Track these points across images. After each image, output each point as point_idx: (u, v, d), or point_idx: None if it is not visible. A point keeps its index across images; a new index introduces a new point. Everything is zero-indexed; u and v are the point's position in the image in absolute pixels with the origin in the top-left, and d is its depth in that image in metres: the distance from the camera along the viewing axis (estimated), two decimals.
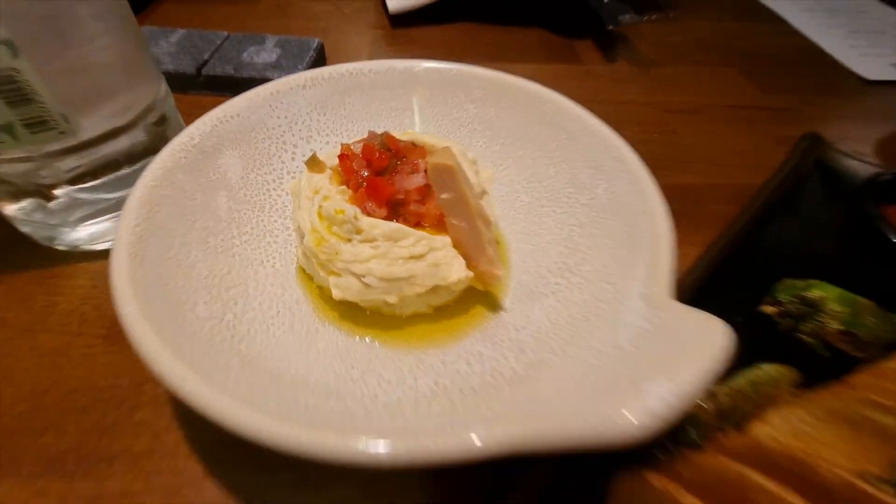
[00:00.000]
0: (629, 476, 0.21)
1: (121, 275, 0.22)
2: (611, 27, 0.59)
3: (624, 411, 0.17)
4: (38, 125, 0.27)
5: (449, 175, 0.26)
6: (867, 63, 0.65)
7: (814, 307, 0.29)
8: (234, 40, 0.55)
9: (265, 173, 0.34)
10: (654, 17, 0.59)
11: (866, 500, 0.16)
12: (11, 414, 0.27)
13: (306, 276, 0.31)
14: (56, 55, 0.26)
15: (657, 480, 0.20)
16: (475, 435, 0.17)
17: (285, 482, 0.25)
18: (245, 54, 0.52)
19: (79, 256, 0.34)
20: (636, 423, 0.17)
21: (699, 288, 0.30)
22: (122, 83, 0.30)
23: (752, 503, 0.18)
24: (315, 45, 0.55)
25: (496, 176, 0.36)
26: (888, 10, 0.83)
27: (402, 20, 0.67)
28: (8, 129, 0.26)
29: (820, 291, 0.29)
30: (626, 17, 0.58)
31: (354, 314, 0.30)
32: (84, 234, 0.34)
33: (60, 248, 0.34)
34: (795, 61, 0.65)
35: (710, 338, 0.19)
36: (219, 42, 0.54)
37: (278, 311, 0.28)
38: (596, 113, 0.34)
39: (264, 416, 0.18)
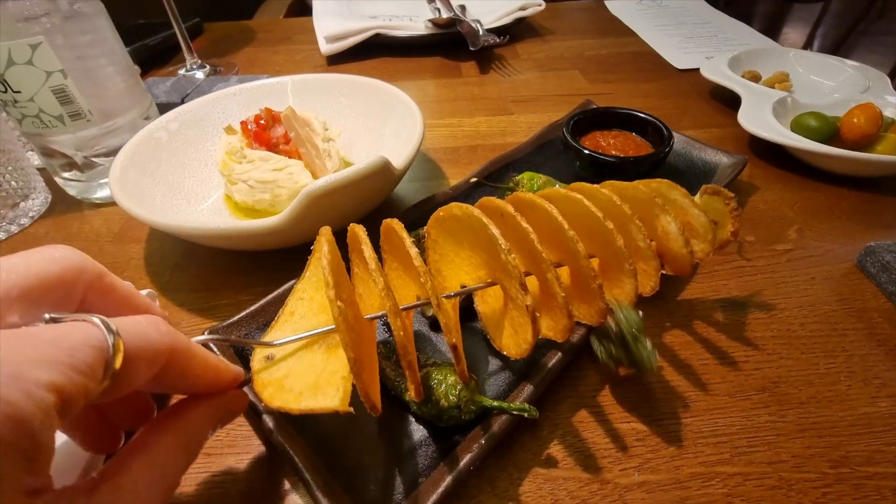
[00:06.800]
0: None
1: (115, 170, 0.44)
2: (472, 48, 0.82)
3: None
4: (76, 116, 0.49)
5: (287, 120, 0.47)
6: (681, 57, 0.86)
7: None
8: (209, 81, 0.79)
9: (206, 140, 0.56)
10: (496, 41, 0.83)
11: None
12: None
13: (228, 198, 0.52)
14: (86, 78, 0.49)
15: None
16: None
17: None
18: (214, 88, 0.76)
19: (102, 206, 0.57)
20: None
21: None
22: (122, 96, 0.53)
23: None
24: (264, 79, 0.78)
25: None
26: (729, 20, 1.04)
27: (336, 59, 0.91)
28: (60, 118, 0.49)
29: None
30: (480, 41, 0.82)
31: (254, 215, 0.50)
32: (104, 192, 0.56)
33: (95, 200, 0.56)
34: (626, 61, 0.87)
35: None
36: (197, 83, 0.78)
37: (209, 198, 0.50)
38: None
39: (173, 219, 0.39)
